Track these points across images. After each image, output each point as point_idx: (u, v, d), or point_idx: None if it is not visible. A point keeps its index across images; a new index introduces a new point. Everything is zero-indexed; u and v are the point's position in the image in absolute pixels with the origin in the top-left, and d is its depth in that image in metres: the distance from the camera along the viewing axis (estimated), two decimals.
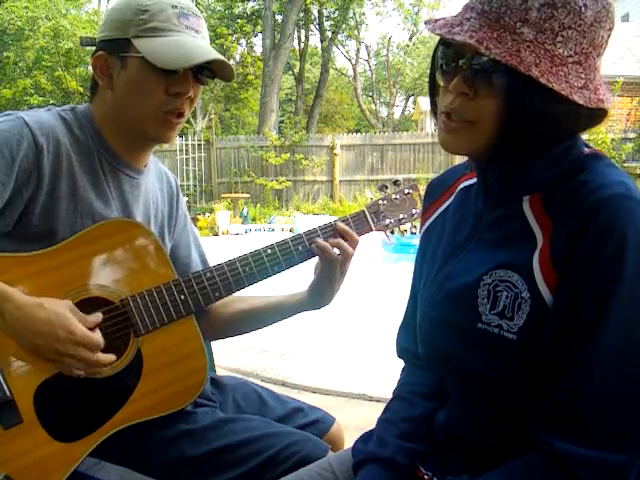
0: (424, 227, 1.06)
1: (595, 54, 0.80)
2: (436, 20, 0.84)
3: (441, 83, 0.86)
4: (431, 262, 1.00)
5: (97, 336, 1.05)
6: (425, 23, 0.85)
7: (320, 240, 1.24)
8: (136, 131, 1.20)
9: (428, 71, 0.90)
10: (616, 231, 0.74)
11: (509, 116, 0.79)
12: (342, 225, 1.27)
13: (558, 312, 0.78)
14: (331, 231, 1.27)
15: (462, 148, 0.86)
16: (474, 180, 0.98)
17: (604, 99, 0.80)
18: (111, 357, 1.08)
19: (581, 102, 0.77)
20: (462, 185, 1.02)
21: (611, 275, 0.74)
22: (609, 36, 0.81)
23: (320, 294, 1.29)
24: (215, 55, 1.15)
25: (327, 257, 1.23)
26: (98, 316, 1.09)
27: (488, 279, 0.85)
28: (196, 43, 1.15)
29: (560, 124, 0.80)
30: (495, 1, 0.78)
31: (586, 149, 0.88)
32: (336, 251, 1.23)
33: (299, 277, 1.41)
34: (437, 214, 1.04)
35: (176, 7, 1.15)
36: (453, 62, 0.82)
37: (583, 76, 0.79)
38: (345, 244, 1.25)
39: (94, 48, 1.19)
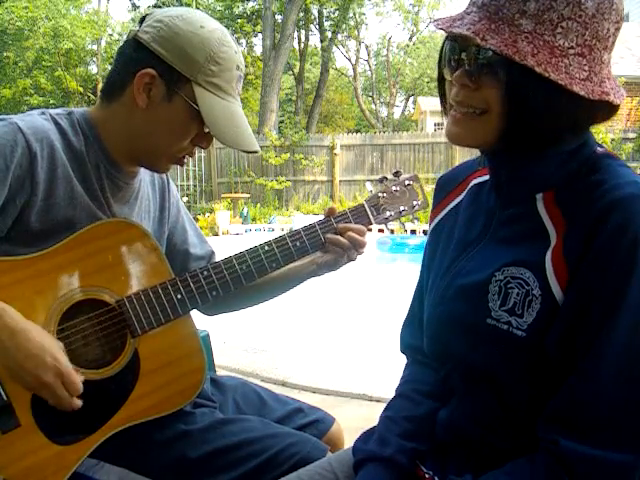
0: (433, 223, 1.06)
1: (601, 47, 0.79)
2: (443, 18, 0.85)
3: (448, 77, 0.86)
4: (441, 259, 1.00)
5: (79, 382, 1.02)
6: (433, 22, 0.86)
7: (331, 235, 1.26)
8: (143, 156, 1.19)
9: (436, 68, 0.91)
10: (630, 231, 0.74)
11: (511, 107, 0.79)
12: (342, 224, 1.28)
13: (568, 310, 0.78)
14: (329, 227, 1.27)
15: (466, 139, 0.86)
16: (486, 177, 0.98)
17: (609, 92, 0.79)
18: (79, 403, 1.04)
19: (582, 93, 0.77)
20: (474, 182, 1.01)
21: (623, 275, 0.74)
22: (617, 29, 0.80)
23: (318, 271, 1.32)
24: (254, 148, 1.18)
25: (339, 249, 1.25)
26: (81, 385, 1.03)
27: (500, 275, 0.85)
28: (245, 125, 1.17)
29: (562, 116, 0.79)
30: None
31: (599, 149, 0.87)
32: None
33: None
34: (447, 210, 1.04)
35: (239, 68, 1.16)
36: (457, 56, 0.83)
37: (587, 68, 0.78)
38: (355, 235, 1.26)
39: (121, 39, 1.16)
